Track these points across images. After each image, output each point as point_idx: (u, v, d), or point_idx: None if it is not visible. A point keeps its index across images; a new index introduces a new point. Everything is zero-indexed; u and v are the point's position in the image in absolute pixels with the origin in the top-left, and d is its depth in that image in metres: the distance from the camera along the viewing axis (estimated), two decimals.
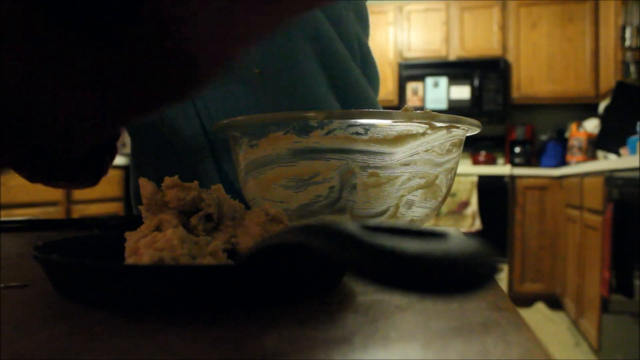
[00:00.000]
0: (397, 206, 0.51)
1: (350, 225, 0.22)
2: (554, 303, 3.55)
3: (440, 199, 0.56)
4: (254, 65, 0.65)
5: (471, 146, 4.21)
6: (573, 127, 3.90)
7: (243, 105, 0.65)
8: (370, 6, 4.01)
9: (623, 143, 3.03)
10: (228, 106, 0.65)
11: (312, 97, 0.67)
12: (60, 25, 0.21)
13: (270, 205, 0.36)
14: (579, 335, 2.92)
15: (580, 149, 3.75)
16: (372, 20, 0.81)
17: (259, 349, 0.22)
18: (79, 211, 2.63)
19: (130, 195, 0.79)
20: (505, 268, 3.66)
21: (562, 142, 4.04)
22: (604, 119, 3.59)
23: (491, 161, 4.15)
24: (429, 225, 0.59)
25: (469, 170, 3.73)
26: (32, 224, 0.68)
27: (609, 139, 3.50)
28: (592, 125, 3.79)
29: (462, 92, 4.11)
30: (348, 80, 0.70)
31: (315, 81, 0.67)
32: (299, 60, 0.67)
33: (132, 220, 0.68)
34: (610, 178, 2.43)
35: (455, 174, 0.58)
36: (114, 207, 2.98)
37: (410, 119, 0.47)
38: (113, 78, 0.23)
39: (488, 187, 3.67)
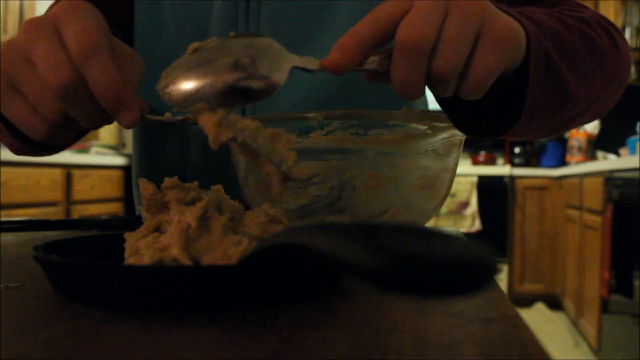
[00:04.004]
0: (396, 207, 0.51)
1: (350, 225, 0.22)
2: (554, 303, 3.55)
3: (440, 199, 0.56)
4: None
5: (471, 146, 4.21)
6: None
7: (304, 97, 0.66)
8: None
9: (622, 143, 3.03)
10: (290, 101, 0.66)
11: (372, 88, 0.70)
12: None
13: (270, 206, 0.36)
14: (578, 336, 2.91)
15: (579, 149, 3.75)
16: None
17: (259, 349, 0.22)
18: (78, 211, 2.63)
19: (133, 196, 0.80)
20: (505, 268, 3.66)
21: (561, 142, 4.03)
22: (604, 119, 3.58)
23: (491, 161, 4.14)
24: (428, 225, 0.59)
25: (469, 170, 3.73)
26: (32, 224, 0.68)
27: (609, 140, 3.50)
28: (591, 125, 3.79)
29: None
30: None
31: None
32: None
33: (131, 221, 0.68)
34: (609, 178, 2.43)
35: (455, 175, 0.58)
36: (114, 208, 2.97)
37: (410, 119, 0.47)
38: None
39: (488, 188, 3.66)
